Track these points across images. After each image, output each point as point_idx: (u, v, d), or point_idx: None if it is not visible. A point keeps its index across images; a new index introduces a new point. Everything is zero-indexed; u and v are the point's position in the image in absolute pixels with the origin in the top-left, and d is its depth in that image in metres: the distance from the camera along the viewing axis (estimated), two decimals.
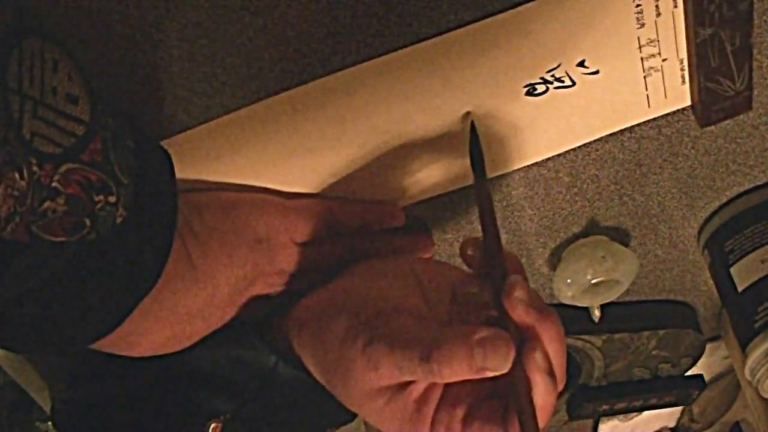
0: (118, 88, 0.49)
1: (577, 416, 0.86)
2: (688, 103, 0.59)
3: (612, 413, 0.87)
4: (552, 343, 0.49)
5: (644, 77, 0.56)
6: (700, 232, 0.72)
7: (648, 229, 0.70)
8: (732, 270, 0.70)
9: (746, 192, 0.70)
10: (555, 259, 0.70)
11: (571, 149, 0.61)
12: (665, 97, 0.58)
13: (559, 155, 0.61)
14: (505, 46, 0.52)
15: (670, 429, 1.01)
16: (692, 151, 0.64)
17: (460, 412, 0.50)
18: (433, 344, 0.48)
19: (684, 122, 0.61)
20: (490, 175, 0.61)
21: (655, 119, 0.60)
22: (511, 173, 0.62)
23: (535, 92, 0.55)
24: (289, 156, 0.55)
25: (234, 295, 0.54)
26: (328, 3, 0.48)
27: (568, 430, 0.92)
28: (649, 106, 0.58)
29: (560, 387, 0.50)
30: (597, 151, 0.62)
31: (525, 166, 0.61)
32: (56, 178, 0.40)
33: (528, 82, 0.54)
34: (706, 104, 0.57)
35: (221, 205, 0.54)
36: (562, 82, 0.55)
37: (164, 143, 0.52)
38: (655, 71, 0.56)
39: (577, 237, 0.69)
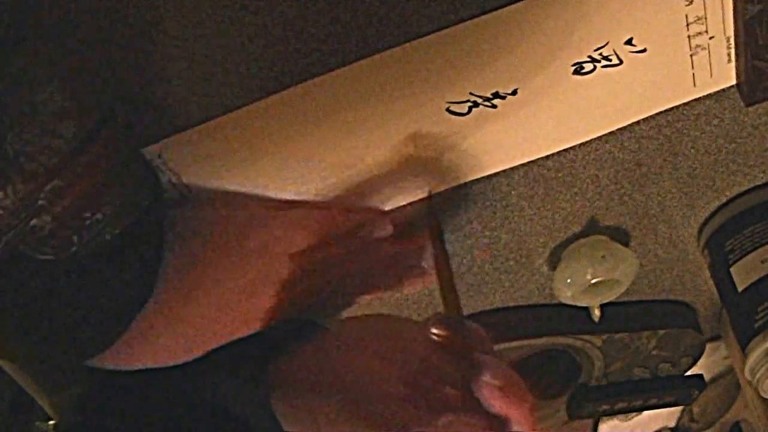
0: (117, 88, 0.49)
1: (577, 416, 0.86)
2: (734, 82, 0.58)
3: (612, 413, 0.87)
4: (524, 428, 0.49)
5: (690, 56, 0.55)
6: (700, 232, 0.72)
7: (648, 229, 0.70)
8: (732, 270, 0.70)
9: (746, 192, 0.70)
10: (555, 259, 0.70)
11: (571, 148, 0.61)
12: (711, 76, 0.57)
13: (558, 154, 0.61)
14: (553, 24, 0.51)
15: (670, 429, 1.01)
16: (692, 151, 0.64)
17: None
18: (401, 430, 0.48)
19: (684, 122, 0.61)
20: (540, 153, 0.60)
21: (655, 119, 0.60)
22: (511, 173, 0.62)
23: (583, 71, 0.55)
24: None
25: (229, 309, 0.54)
26: (328, 3, 0.48)
27: (568, 430, 0.92)
28: (694, 85, 0.58)
29: None
30: (597, 150, 0.62)
31: (524, 166, 0.61)
32: (43, 195, 0.40)
33: (576, 61, 0.54)
34: (753, 83, 0.56)
35: (214, 219, 0.54)
36: (610, 60, 0.54)
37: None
38: (701, 49, 0.55)
39: (577, 237, 0.69)
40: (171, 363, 0.53)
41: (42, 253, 0.41)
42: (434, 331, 0.53)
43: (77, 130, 0.41)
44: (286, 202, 0.57)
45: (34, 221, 0.40)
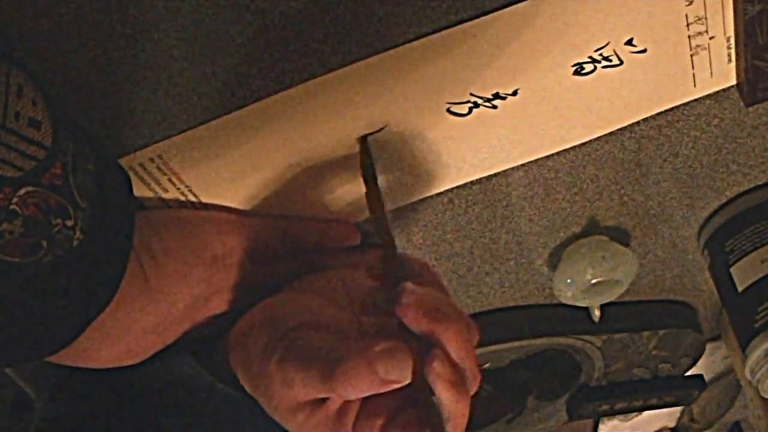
0: (117, 88, 0.49)
1: (577, 416, 0.86)
2: (734, 82, 0.58)
3: (612, 413, 0.87)
4: (453, 347, 0.49)
5: (691, 56, 0.55)
6: (700, 232, 0.72)
7: (648, 229, 0.70)
8: (732, 270, 0.70)
9: (746, 192, 0.70)
10: (555, 259, 0.70)
11: (571, 148, 0.61)
12: (711, 76, 0.57)
13: (558, 154, 0.61)
14: (553, 24, 0.51)
15: (670, 429, 1.01)
16: (692, 151, 0.64)
17: (378, 422, 0.50)
18: (335, 362, 0.48)
19: (684, 122, 0.61)
20: (540, 153, 0.60)
21: (655, 119, 0.60)
22: (511, 173, 0.62)
23: (583, 71, 0.55)
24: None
25: (189, 312, 0.54)
26: (328, 3, 0.48)
27: (568, 430, 0.92)
28: (695, 86, 0.58)
29: (473, 389, 0.50)
30: (597, 151, 0.62)
31: (524, 166, 0.61)
32: (15, 200, 0.40)
33: (576, 61, 0.54)
34: (753, 83, 0.56)
35: (179, 224, 0.54)
36: (610, 61, 0.54)
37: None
38: (702, 49, 0.55)
39: (577, 237, 0.69)
40: (128, 362, 0.53)
41: (10, 255, 0.41)
42: (369, 266, 0.54)
43: (52, 138, 0.41)
44: (246, 211, 0.57)
45: (4, 225, 0.40)
